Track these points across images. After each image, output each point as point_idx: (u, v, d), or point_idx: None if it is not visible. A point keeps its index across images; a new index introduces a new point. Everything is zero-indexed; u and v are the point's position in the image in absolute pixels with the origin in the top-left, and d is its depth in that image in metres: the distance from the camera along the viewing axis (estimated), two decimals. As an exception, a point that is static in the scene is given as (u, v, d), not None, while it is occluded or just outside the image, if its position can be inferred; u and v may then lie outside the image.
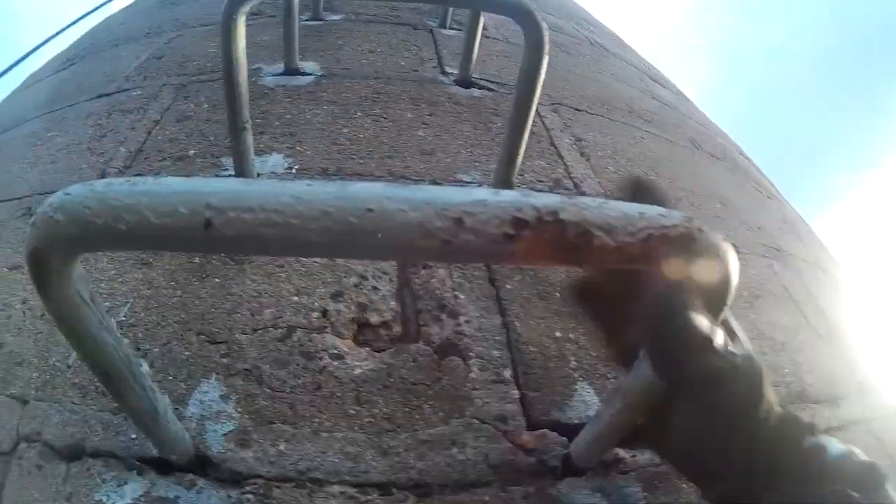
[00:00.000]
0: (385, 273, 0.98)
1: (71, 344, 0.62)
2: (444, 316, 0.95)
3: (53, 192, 1.32)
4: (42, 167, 1.44)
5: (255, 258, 1.03)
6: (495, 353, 0.92)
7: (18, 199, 1.36)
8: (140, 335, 0.97)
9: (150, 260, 1.08)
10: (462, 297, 0.97)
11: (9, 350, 1.07)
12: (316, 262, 1.03)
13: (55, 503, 0.87)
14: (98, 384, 0.93)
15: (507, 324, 0.96)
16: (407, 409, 0.86)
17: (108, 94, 1.66)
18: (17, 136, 1.72)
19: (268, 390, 0.87)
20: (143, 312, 1.00)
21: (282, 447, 0.82)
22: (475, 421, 0.86)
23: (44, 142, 1.56)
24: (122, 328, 0.99)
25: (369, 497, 0.80)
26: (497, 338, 0.94)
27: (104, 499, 0.85)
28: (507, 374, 0.90)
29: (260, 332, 0.94)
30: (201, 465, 0.82)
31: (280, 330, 0.93)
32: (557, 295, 1.00)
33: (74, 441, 0.91)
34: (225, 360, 0.91)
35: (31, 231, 0.52)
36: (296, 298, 0.96)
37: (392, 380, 0.88)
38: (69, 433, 0.92)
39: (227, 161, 1.25)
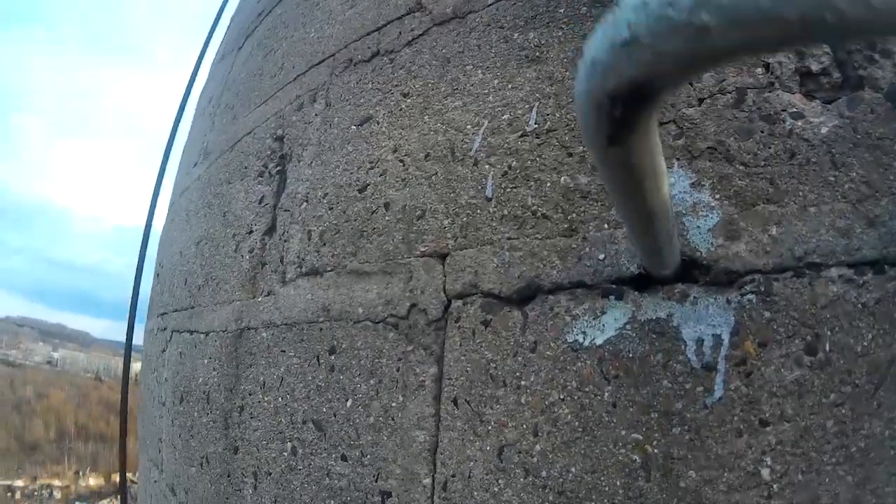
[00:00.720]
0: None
1: (617, 195, 0.54)
2: (877, 56, 0.83)
3: (370, 32, 1.20)
4: (342, 17, 1.41)
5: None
6: (944, 92, 0.81)
7: (332, 55, 1.36)
8: (566, 139, 0.91)
9: (538, 54, 1.01)
10: (890, 33, 0.84)
11: (400, 206, 1.05)
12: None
13: (516, 357, 0.85)
14: (537, 208, 0.90)
15: (944, 61, 0.84)
16: (881, 170, 0.78)
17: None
18: (284, 9, 1.71)
19: (741, 167, 0.80)
20: (558, 112, 0.94)
21: (773, 232, 0.75)
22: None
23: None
24: (537, 136, 0.94)
25: (865, 277, 0.73)
26: (939, 76, 0.83)
27: (580, 338, 0.81)
28: (966, 114, 0.80)
29: (707, 101, 0.84)
30: (687, 272, 0.76)
31: (730, 95, 0.83)
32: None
33: (525, 281, 0.87)
34: (681, 142, 0.83)
35: (632, 51, 0.38)
36: (733, 57, 0.85)
37: (859, 136, 0.79)
38: (515, 274, 0.88)
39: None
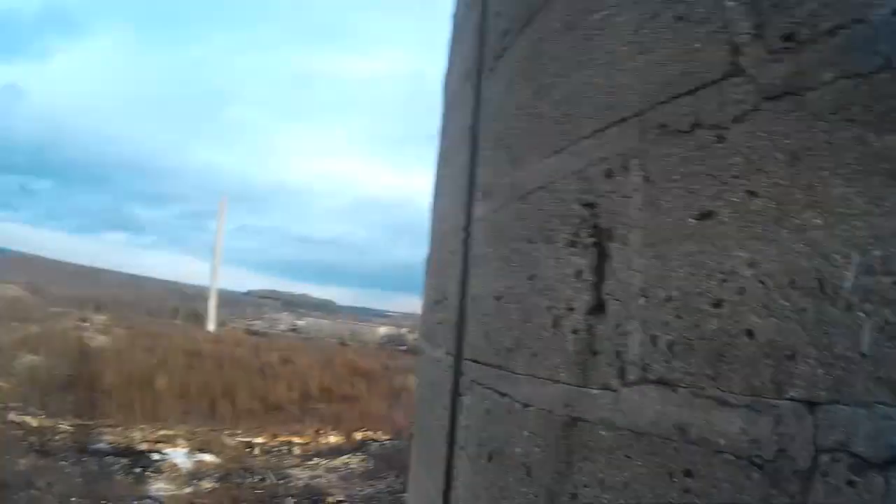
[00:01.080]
0: None
1: None
2: None
3: (681, 95, 1.17)
4: (634, 65, 1.34)
5: None
6: None
7: (637, 115, 1.30)
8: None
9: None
10: None
11: (766, 339, 1.04)
12: None
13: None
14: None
15: None
16: None
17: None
18: (541, 35, 1.66)
19: None
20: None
21: None
22: None
23: (606, 27, 1.45)
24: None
25: None
26: None
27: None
28: None
29: None
30: None
31: None
32: None
33: (892, 451, 0.89)
34: None
35: None
36: None
37: None
38: (884, 443, 0.90)
39: None
